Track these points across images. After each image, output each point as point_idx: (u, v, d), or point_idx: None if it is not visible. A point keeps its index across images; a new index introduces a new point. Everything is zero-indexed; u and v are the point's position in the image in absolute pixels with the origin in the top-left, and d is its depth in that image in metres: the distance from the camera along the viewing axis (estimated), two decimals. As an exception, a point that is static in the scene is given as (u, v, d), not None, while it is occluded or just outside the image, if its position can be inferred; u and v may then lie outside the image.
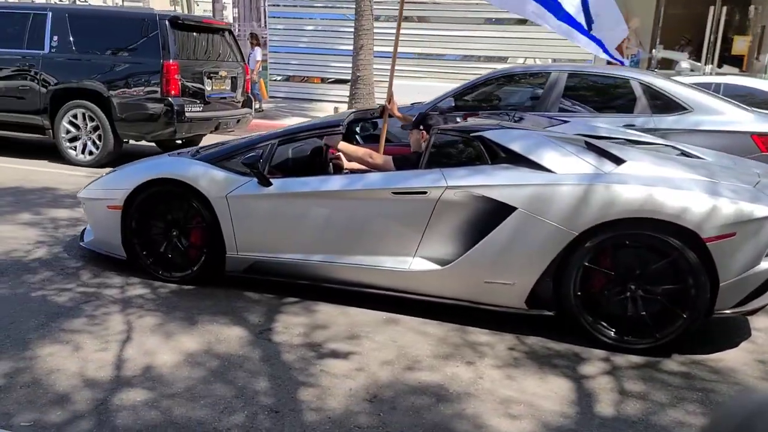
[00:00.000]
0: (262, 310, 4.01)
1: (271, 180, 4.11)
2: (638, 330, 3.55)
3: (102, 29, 8.38)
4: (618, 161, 3.66)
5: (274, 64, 17.01)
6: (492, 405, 3.02)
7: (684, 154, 4.54)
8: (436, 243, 3.85)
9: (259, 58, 15.38)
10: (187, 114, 8.25)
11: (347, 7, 14.36)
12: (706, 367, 3.43)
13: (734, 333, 3.87)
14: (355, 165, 4.51)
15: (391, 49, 5.28)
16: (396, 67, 5.18)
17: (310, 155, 4.48)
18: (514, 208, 3.63)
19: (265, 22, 17.60)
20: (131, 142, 8.83)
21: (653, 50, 14.15)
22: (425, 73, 14.76)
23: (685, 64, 11.95)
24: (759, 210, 3.35)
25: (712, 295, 3.42)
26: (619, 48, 4.93)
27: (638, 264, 3.50)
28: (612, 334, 3.58)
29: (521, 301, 3.70)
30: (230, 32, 9.62)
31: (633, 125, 6.05)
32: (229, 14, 21.27)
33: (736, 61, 13.50)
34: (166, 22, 8.13)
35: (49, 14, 8.44)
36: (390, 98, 5.04)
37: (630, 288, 3.53)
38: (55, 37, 8.38)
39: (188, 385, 3.10)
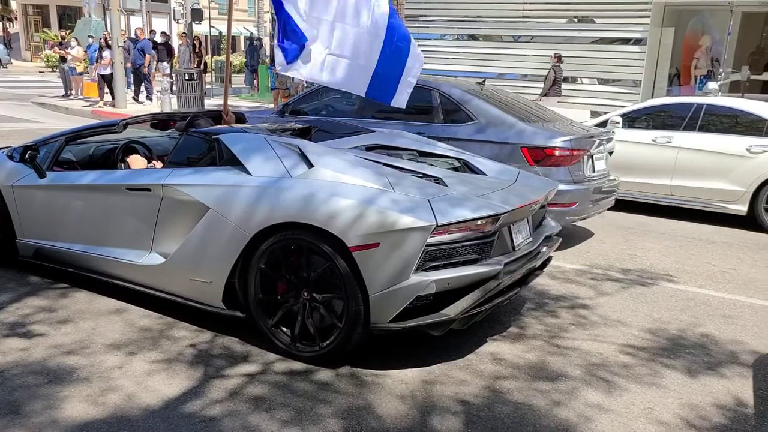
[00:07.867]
0: (23, 291, 4.33)
1: (45, 172, 4.45)
2: (309, 338, 3.49)
3: None
4: (310, 166, 3.63)
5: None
6: (90, 390, 3.11)
7: (467, 166, 4.38)
8: (166, 239, 3.98)
9: None
10: None
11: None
12: (353, 382, 3.30)
13: (435, 353, 3.66)
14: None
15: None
16: None
17: (105, 152, 4.78)
18: (208, 208, 3.70)
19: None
20: None
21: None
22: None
23: (713, 85, 11.03)
24: (403, 220, 3.19)
25: (366, 306, 3.30)
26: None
27: (305, 271, 3.45)
28: (288, 339, 3.54)
29: (218, 300, 3.74)
30: None
31: (422, 133, 5.84)
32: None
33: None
34: None
35: None
36: (227, 112, 5.21)
37: (303, 295, 3.48)
38: None
39: None
